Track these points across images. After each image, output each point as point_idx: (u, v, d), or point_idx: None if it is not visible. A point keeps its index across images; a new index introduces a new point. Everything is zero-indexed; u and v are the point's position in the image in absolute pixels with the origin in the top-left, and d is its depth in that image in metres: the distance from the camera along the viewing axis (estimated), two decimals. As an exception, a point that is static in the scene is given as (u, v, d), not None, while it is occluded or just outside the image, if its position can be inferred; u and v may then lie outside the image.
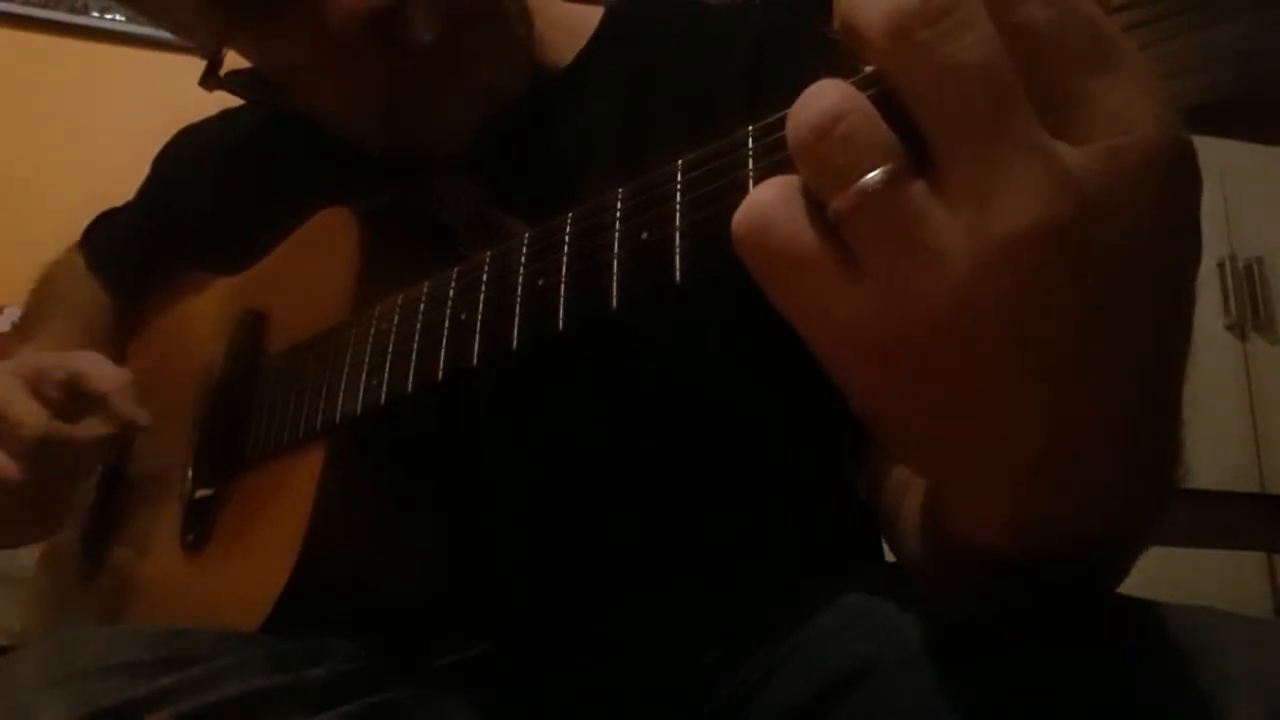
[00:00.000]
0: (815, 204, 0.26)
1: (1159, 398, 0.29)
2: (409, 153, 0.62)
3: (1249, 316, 2.02)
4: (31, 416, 0.58)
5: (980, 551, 0.32)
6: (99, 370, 0.60)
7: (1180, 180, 0.25)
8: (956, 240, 0.24)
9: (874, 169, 0.25)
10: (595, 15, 0.68)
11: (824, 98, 0.25)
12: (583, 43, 0.66)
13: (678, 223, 0.33)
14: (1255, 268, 2.03)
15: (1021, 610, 0.37)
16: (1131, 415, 0.28)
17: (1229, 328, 2.02)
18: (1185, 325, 0.28)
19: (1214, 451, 1.92)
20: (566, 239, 0.39)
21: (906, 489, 0.44)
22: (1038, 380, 0.26)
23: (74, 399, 0.59)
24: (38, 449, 0.57)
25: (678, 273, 0.33)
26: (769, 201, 0.27)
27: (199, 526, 0.58)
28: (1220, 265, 2.04)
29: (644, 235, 0.35)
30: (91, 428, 0.61)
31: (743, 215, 0.27)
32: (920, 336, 0.25)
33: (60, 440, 0.59)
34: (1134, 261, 0.25)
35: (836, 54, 0.27)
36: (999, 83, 0.24)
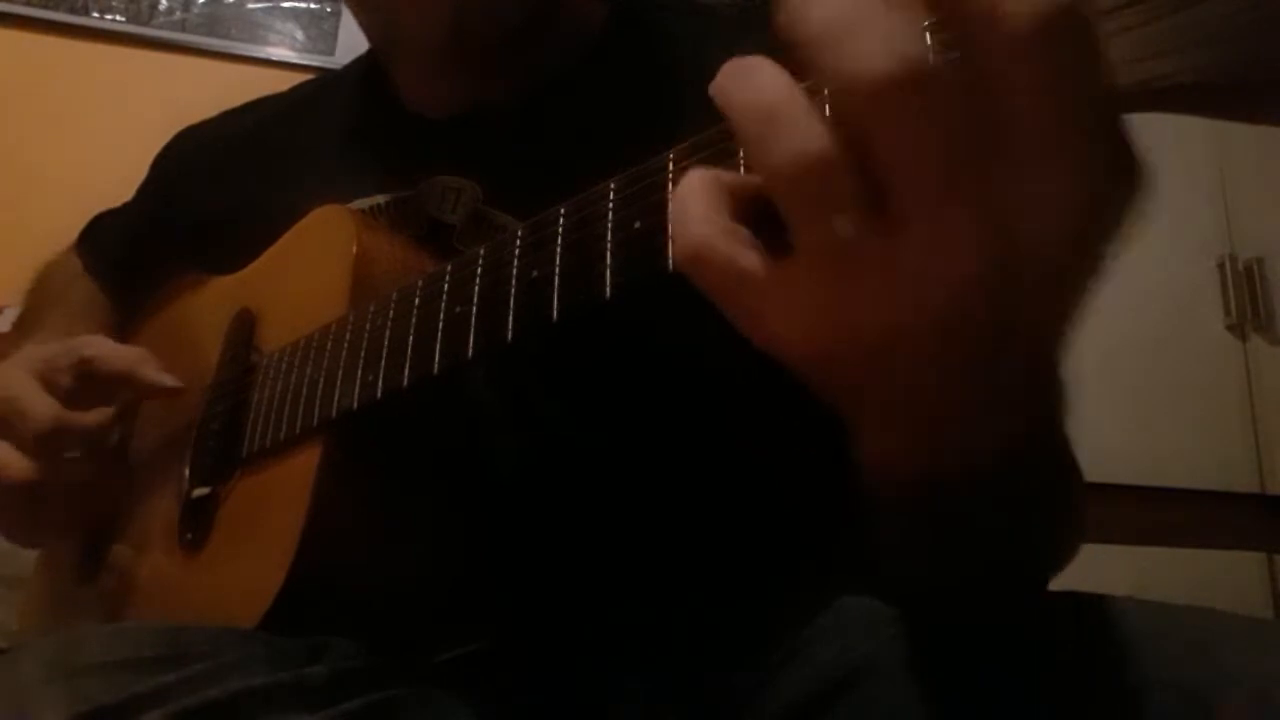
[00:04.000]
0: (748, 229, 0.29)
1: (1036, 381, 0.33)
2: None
3: (1249, 316, 2.02)
4: (43, 407, 0.57)
5: (884, 478, 0.35)
6: (109, 350, 0.60)
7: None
8: (900, 276, 0.27)
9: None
10: (599, 16, 0.68)
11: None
12: (587, 42, 0.66)
13: (670, 211, 0.33)
14: (1255, 268, 2.03)
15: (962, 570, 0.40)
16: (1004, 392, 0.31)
17: (1229, 328, 2.02)
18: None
19: (1214, 451, 1.92)
20: (560, 230, 0.39)
21: None
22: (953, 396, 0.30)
23: (86, 384, 0.58)
24: (49, 442, 0.57)
25: (670, 261, 0.33)
26: (704, 232, 0.29)
27: (197, 525, 0.58)
28: (1220, 265, 2.04)
29: (636, 224, 0.35)
30: (102, 414, 0.60)
31: (680, 247, 0.29)
32: (845, 347, 0.29)
33: (71, 429, 0.58)
34: (1050, 300, 0.28)
35: None
36: (960, 151, 0.26)
